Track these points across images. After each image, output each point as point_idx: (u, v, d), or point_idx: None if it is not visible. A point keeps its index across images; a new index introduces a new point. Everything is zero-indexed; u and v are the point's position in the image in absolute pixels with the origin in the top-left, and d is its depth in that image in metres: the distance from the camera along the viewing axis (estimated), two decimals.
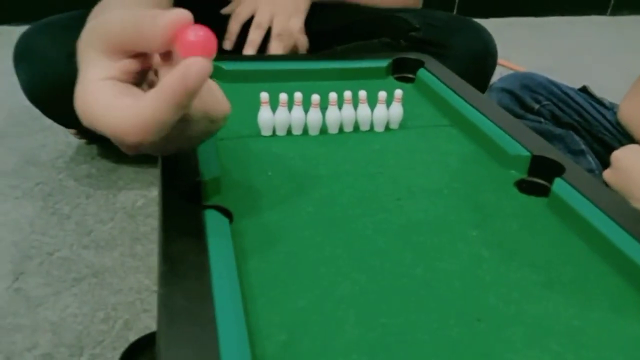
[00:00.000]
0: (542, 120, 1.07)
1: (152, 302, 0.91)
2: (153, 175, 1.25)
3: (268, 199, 0.64)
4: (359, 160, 0.75)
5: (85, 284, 0.94)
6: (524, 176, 0.73)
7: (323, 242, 0.58)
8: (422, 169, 0.74)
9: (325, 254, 0.56)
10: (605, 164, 1.03)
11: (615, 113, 1.03)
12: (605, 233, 0.59)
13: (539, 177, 0.72)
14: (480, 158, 0.78)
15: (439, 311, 0.50)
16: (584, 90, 1.12)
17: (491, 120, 0.82)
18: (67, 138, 1.36)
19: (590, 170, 0.99)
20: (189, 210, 0.56)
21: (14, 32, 2.04)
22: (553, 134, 1.04)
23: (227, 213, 0.60)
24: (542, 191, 0.70)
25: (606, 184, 0.94)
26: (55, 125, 1.24)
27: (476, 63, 1.09)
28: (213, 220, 0.55)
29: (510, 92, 1.09)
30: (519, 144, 0.76)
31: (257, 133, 0.80)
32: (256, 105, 0.80)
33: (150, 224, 1.10)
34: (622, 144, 1.04)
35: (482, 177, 0.73)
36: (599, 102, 1.09)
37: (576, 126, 1.05)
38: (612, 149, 1.04)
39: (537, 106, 1.07)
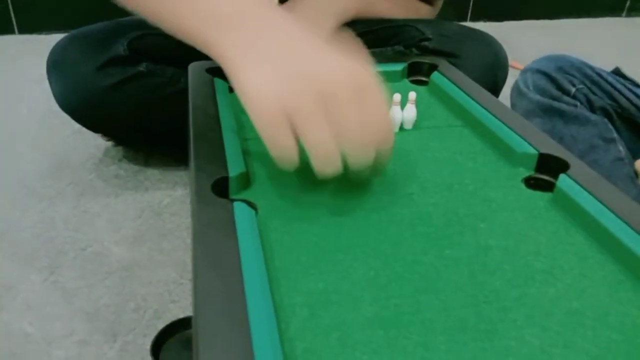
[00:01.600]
0: (578, 104, 1.09)
1: (179, 293, 0.96)
2: (177, 176, 1.31)
3: (290, 194, 0.69)
4: None
5: (116, 277, 1.00)
6: (532, 173, 0.77)
7: (341, 232, 0.62)
8: (433, 166, 0.79)
9: (343, 242, 0.61)
10: (636, 147, 1.05)
11: None
12: (605, 224, 0.62)
13: (545, 173, 0.76)
14: (490, 156, 0.82)
15: (447, 293, 0.54)
16: (617, 72, 1.12)
17: (500, 120, 0.87)
18: (95, 141, 1.43)
19: (620, 159, 1.01)
20: (219, 203, 0.61)
21: (45, 41, 2.14)
22: (588, 119, 1.05)
23: (252, 206, 0.65)
24: (548, 187, 0.73)
25: (636, 173, 0.96)
26: (85, 130, 1.30)
27: (487, 74, 1.13)
28: (241, 212, 0.60)
29: (545, 74, 1.11)
30: (526, 142, 0.80)
31: None
32: None
33: (176, 222, 1.16)
34: None
35: (491, 174, 0.77)
36: (634, 82, 1.09)
37: (609, 110, 1.06)
38: None
39: (573, 89, 1.08)
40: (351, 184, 0.72)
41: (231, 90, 1.00)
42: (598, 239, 0.63)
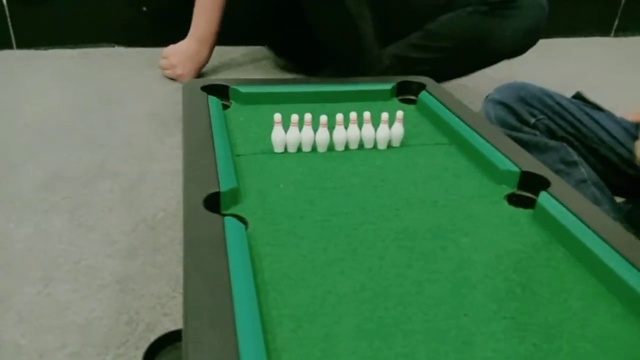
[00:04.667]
0: (537, 133, 1.12)
1: (172, 307, 0.97)
2: (172, 191, 1.33)
3: (279, 209, 0.72)
4: (363, 174, 0.82)
5: (109, 290, 1.01)
6: (514, 190, 0.80)
7: (328, 247, 0.65)
8: (419, 182, 0.81)
9: (330, 257, 0.63)
10: (599, 174, 1.08)
11: (610, 116, 1.06)
12: (584, 241, 0.65)
13: (527, 191, 0.78)
14: (474, 173, 0.84)
15: (429, 306, 0.56)
16: (578, 97, 1.14)
17: (484, 139, 0.89)
18: (90, 156, 1.45)
19: (583, 181, 1.04)
20: (210, 218, 0.63)
21: (43, 56, 2.16)
22: (547, 145, 1.09)
23: (243, 220, 0.67)
24: (529, 204, 0.76)
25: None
26: (79, 144, 1.32)
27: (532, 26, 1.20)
28: (231, 226, 0.62)
29: (506, 105, 1.14)
30: (509, 161, 0.82)
31: (270, 150, 0.88)
32: (270, 124, 0.88)
33: (169, 236, 1.17)
34: (615, 154, 1.08)
35: (475, 190, 0.80)
36: (595, 106, 1.12)
37: (570, 139, 1.10)
38: (606, 159, 1.09)
39: (533, 120, 1.11)
40: (339, 201, 0.74)
41: (225, 107, 1.02)
42: (576, 254, 0.65)
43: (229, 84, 1.06)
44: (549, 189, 0.75)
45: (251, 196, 0.74)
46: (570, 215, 0.69)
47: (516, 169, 0.80)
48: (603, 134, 1.08)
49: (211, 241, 0.58)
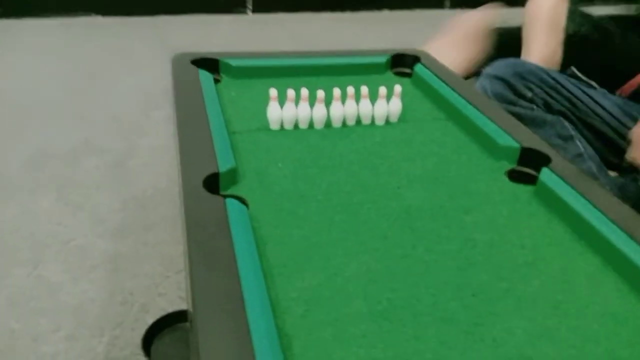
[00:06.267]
0: (535, 107, 1.12)
1: (166, 286, 0.96)
2: (161, 167, 1.30)
3: (280, 189, 0.70)
4: (362, 151, 0.81)
5: (101, 271, 1.00)
6: (514, 166, 0.79)
7: (331, 227, 0.63)
8: (419, 159, 0.80)
9: (334, 237, 0.62)
10: (595, 149, 1.08)
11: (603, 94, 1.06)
12: (586, 217, 0.65)
13: (527, 166, 0.78)
14: (473, 149, 0.83)
15: (437, 287, 0.56)
16: (571, 74, 1.14)
17: (483, 113, 0.88)
18: (75, 133, 1.40)
19: (579, 155, 1.05)
20: (211, 200, 0.61)
21: (22, 27, 2.06)
22: (544, 120, 1.09)
23: (243, 202, 0.65)
24: (530, 180, 0.76)
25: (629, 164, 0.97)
26: (65, 121, 1.28)
27: None
28: (233, 209, 0.60)
29: (502, 80, 1.13)
30: (509, 136, 0.82)
31: (266, 127, 0.85)
32: (264, 100, 0.85)
33: (160, 213, 1.15)
34: (610, 128, 1.09)
35: (475, 167, 0.79)
36: (588, 84, 1.12)
37: (567, 113, 1.09)
38: (601, 133, 1.09)
39: (529, 94, 1.11)
40: (340, 180, 0.73)
41: (216, 81, 0.99)
42: (579, 231, 0.65)
43: (218, 57, 1.03)
44: (550, 165, 0.74)
45: (249, 176, 0.72)
46: (572, 191, 0.69)
47: (516, 145, 0.79)
48: (598, 109, 1.07)
49: (214, 224, 0.57)
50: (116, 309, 0.91)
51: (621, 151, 1.08)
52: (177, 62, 1.00)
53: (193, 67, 0.98)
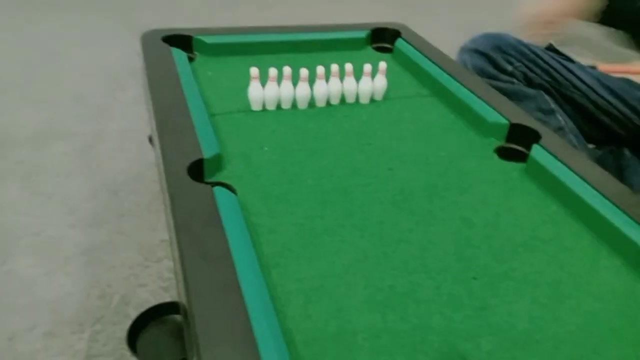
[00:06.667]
0: (515, 81, 1.11)
1: (146, 277, 0.93)
2: (130, 151, 1.24)
3: (267, 174, 0.67)
4: (349, 132, 0.78)
5: (76, 263, 0.95)
6: (503, 143, 0.78)
7: (324, 213, 0.61)
8: (408, 139, 0.78)
9: (328, 224, 0.59)
10: (574, 122, 1.08)
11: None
12: (580, 194, 0.64)
13: (516, 143, 0.77)
14: (461, 126, 0.82)
15: (437, 272, 0.54)
16: (550, 48, 1.14)
17: (469, 90, 0.87)
18: (39, 115, 1.32)
19: (560, 128, 1.04)
20: (198, 189, 0.58)
21: None
22: (525, 94, 1.08)
23: (231, 189, 0.62)
24: (520, 157, 0.75)
25: None
26: (29, 103, 1.20)
27: None
28: (223, 198, 0.57)
29: (482, 54, 1.12)
30: (497, 112, 0.80)
31: (247, 108, 0.82)
32: (243, 79, 0.81)
33: (134, 200, 1.10)
34: (590, 101, 1.09)
35: (464, 145, 0.77)
36: (567, 58, 1.12)
37: (547, 86, 1.09)
38: (580, 106, 1.09)
39: (510, 68, 1.10)
40: (329, 162, 0.70)
41: (190, 60, 0.94)
42: (573, 208, 0.65)
43: (192, 34, 0.97)
44: (541, 142, 0.73)
45: (235, 161, 0.68)
46: (564, 168, 0.68)
47: (505, 121, 0.78)
48: (577, 82, 1.07)
49: (204, 215, 0.53)
50: (95, 303, 0.87)
51: (600, 124, 1.09)
52: (147, 40, 0.94)
53: (165, 45, 0.93)
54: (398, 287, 0.52)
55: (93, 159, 1.22)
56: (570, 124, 1.06)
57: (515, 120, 0.78)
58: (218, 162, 0.66)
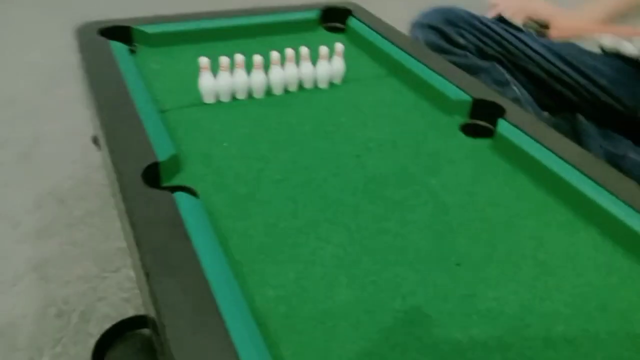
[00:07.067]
0: (468, 54, 1.10)
1: (105, 289, 0.87)
2: (73, 154, 1.16)
3: (230, 172, 0.63)
4: (311, 120, 0.75)
5: (27, 281, 0.88)
6: (467, 120, 0.77)
7: (296, 209, 0.58)
8: (372, 123, 0.75)
9: (302, 221, 0.56)
10: (528, 91, 1.09)
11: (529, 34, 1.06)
12: (550, 166, 0.64)
13: (481, 119, 0.76)
14: (424, 106, 0.80)
15: (420, 261, 0.52)
16: (501, 19, 1.14)
17: (428, 67, 0.85)
18: None
19: (516, 99, 1.05)
20: (157, 196, 0.53)
21: None
22: (479, 67, 1.08)
23: (192, 192, 0.58)
24: (485, 133, 0.73)
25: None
26: None
27: None
28: (185, 203, 0.52)
29: (434, 28, 1.10)
30: (459, 89, 0.79)
31: (199, 101, 0.76)
32: (192, 70, 0.76)
33: (84, 207, 1.03)
34: (543, 70, 1.09)
35: (429, 125, 0.76)
36: (517, 28, 1.12)
37: (500, 58, 1.09)
38: (534, 76, 1.10)
39: (462, 41, 1.09)
40: (294, 154, 0.67)
41: (131, 52, 0.87)
42: (544, 181, 0.64)
43: (131, 25, 0.90)
44: (505, 116, 0.72)
45: (193, 161, 0.64)
46: (531, 141, 0.67)
47: (468, 98, 0.77)
48: (529, 52, 1.07)
49: (167, 225, 0.49)
50: (52, 323, 0.80)
51: (553, 92, 1.10)
52: (83, 33, 0.87)
53: (102, 38, 0.85)
54: (381, 282, 0.50)
55: (33, 167, 1.14)
56: (525, 93, 1.07)
57: (478, 96, 0.77)
58: (175, 164, 0.61)
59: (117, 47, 0.83)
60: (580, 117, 1.07)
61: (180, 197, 0.53)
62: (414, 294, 0.49)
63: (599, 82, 1.04)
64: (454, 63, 1.02)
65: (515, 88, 1.07)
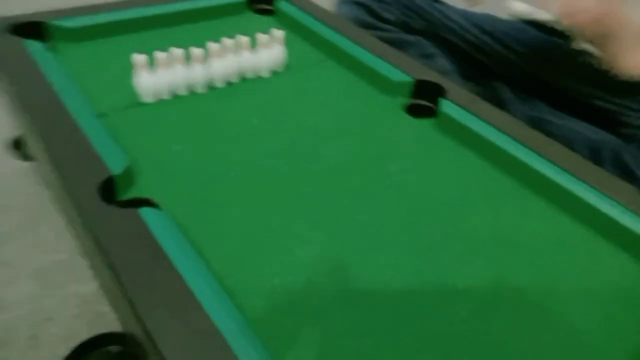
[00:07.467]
0: (394, 29, 1.12)
1: (51, 308, 0.81)
2: None
3: (188, 177, 0.60)
4: (259, 111, 0.73)
5: None
6: (410, 100, 0.78)
7: (267, 210, 0.57)
8: (320, 110, 0.75)
9: (272, 221, 0.55)
10: (453, 63, 1.13)
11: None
12: (496, 142, 0.67)
13: (423, 99, 0.78)
14: (367, 90, 0.80)
15: (395, 249, 0.54)
16: None
17: (366, 49, 0.85)
18: None
19: (443, 72, 1.09)
20: (123, 215, 0.49)
21: None
22: (406, 41, 1.10)
23: (153, 205, 0.55)
24: (427, 112, 0.76)
25: None
26: None
27: None
28: (154, 219, 0.50)
29: (360, 4, 1.11)
30: (399, 71, 0.80)
31: (137, 101, 0.72)
32: (121, 65, 0.72)
33: (15, 219, 0.94)
34: (464, 41, 1.14)
35: (375, 108, 0.76)
36: (437, 1, 1.16)
37: (424, 31, 1.12)
38: (457, 47, 1.14)
39: (388, 16, 1.11)
40: (251, 151, 0.65)
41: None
42: (492, 158, 0.67)
43: (44, 19, 0.82)
44: (447, 95, 0.75)
45: (144, 169, 0.60)
46: (475, 118, 0.71)
47: (409, 79, 0.79)
48: (450, 24, 1.11)
49: (141, 247, 0.46)
50: None
51: (474, 61, 1.15)
52: None
53: (15, 37, 0.77)
54: (365, 279, 0.50)
55: None
56: (451, 65, 1.11)
57: (419, 77, 0.79)
58: (129, 176, 0.57)
59: (34, 46, 0.75)
60: (503, 86, 1.13)
61: (147, 213, 0.50)
62: (397, 286, 0.50)
63: (515, 49, 1.10)
64: (381, 38, 1.04)
65: (441, 61, 1.10)
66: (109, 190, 0.53)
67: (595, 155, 0.80)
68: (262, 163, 0.63)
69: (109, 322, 0.77)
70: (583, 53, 0.96)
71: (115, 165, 0.55)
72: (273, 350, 0.42)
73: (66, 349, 0.65)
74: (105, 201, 0.51)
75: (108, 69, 0.77)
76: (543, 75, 1.09)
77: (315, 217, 0.56)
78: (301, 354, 0.43)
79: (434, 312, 0.48)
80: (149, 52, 0.70)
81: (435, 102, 0.75)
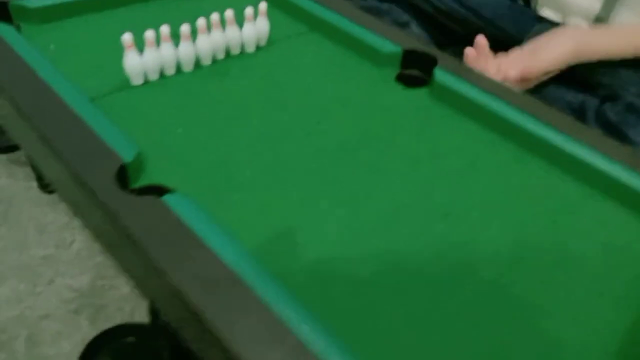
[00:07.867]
0: None
1: (45, 305, 0.77)
2: None
3: (197, 160, 0.58)
4: (253, 89, 0.71)
5: None
6: (400, 70, 0.79)
7: (285, 189, 0.56)
8: (314, 87, 0.74)
9: (292, 199, 0.55)
10: (425, 30, 1.14)
11: None
12: (491, 108, 0.69)
13: (414, 69, 0.79)
14: (357, 62, 0.80)
15: (416, 216, 0.55)
16: None
17: (351, 20, 0.84)
18: None
19: (419, 40, 1.09)
20: (150, 205, 0.48)
21: None
22: (379, 9, 1.10)
23: (167, 191, 0.53)
24: (419, 82, 0.77)
25: None
26: None
27: None
28: (182, 206, 0.48)
29: None
30: (387, 41, 0.80)
31: (126, 84, 0.68)
32: (98, 45, 0.68)
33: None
34: (434, 8, 1.15)
35: (368, 80, 0.76)
36: None
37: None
38: (426, 13, 1.15)
39: None
40: (255, 130, 0.64)
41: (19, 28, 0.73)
42: (491, 124, 0.69)
43: None
44: (440, 65, 0.76)
45: (151, 155, 0.58)
46: (471, 87, 0.72)
47: (398, 49, 0.79)
48: None
49: (176, 237, 0.45)
50: None
51: (444, 28, 1.17)
52: None
53: None
54: (393, 247, 0.52)
55: None
56: (424, 33, 1.12)
57: (407, 47, 0.79)
58: (140, 162, 0.55)
59: (4, 30, 0.70)
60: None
61: (174, 200, 0.49)
62: (422, 247, 0.52)
63: (484, 15, 1.13)
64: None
65: (414, 28, 1.11)
66: (122, 179, 0.51)
67: (580, 117, 0.84)
68: (269, 142, 0.62)
69: (111, 315, 0.75)
70: (549, 21, 1.00)
71: (126, 153, 0.53)
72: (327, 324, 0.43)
73: (69, 344, 0.63)
74: (124, 190, 0.49)
75: (84, 50, 0.73)
76: (513, 40, 1.12)
77: (333, 193, 0.57)
78: (349, 323, 0.44)
79: (464, 277, 0.50)
80: (122, 31, 0.66)
81: (427, 72, 0.76)
